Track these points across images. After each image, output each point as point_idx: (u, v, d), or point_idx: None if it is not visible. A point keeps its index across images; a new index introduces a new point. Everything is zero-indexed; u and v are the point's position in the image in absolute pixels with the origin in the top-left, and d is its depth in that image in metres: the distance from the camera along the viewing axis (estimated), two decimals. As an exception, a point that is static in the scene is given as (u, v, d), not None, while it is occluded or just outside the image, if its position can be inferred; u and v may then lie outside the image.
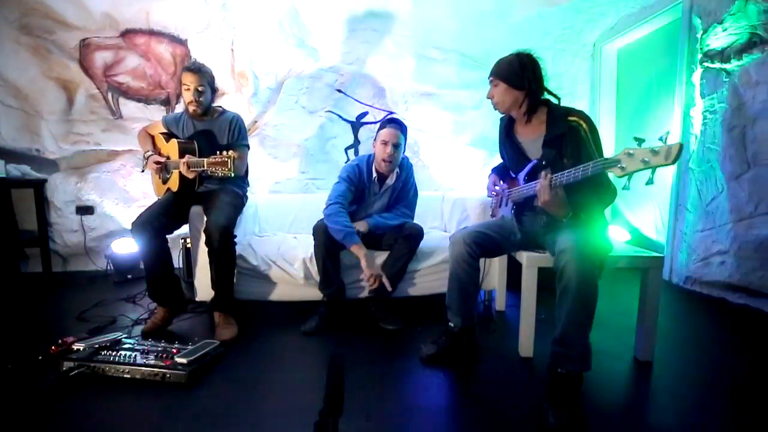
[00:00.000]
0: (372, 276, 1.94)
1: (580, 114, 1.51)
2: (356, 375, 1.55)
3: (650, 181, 1.16)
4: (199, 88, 2.05)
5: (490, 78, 1.62)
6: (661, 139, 1.13)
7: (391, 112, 3.43)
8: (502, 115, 1.73)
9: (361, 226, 2.04)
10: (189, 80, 2.05)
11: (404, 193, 2.22)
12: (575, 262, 1.31)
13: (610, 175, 1.30)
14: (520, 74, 1.54)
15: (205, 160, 1.85)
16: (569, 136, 1.48)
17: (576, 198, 1.44)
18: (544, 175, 1.42)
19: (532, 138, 1.60)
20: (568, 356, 1.35)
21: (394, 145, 2.03)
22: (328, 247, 1.97)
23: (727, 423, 1.31)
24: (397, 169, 2.16)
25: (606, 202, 1.52)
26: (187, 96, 2.07)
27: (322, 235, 1.98)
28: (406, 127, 2.12)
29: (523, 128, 1.65)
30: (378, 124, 2.17)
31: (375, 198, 2.19)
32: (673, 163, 1.11)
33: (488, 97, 1.64)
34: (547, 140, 1.53)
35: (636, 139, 1.17)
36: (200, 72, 2.06)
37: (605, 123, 3.59)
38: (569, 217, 1.45)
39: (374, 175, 2.14)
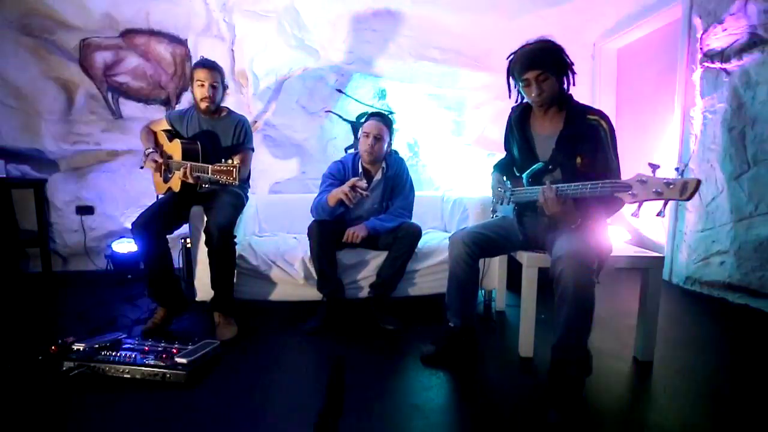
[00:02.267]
0: (347, 193, 1.92)
1: (600, 113, 1.44)
2: (356, 375, 1.54)
3: (661, 213, 1.12)
4: (214, 84, 2.06)
5: (539, 72, 1.41)
6: (677, 170, 1.10)
7: (391, 113, 3.43)
8: (513, 105, 1.63)
9: (361, 230, 2.04)
10: (203, 76, 2.04)
11: (399, 189, 2.19)
12: (571, 269, 1.29)
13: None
14: (561, 60, 1.43)
15: (210, 167, 1.82)
16: (587, 135, 1.43)
17: (584, 205, 1.40)
18: (549, 186, 1.37)
19: (546, 133, 1.53)
20: (569, 362, 1.35)
21: (375, 137, 2.05)
22: (323, 247, 1.98)
23: (727, 423, 1.31)
24: (383, 165, 2.16)
25: (614, 210, 1.43)
26: (201, 92, 2.05)
27: (317, 234, 1.99)
28: (391, 122, 2.14)
29: (539, 121, 1.55)
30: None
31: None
32: (688, 199, 1.07)
33: (537, 95, 1.44)
34: (562, 138, 1.46)
35: (651, 165, 1.12)
36: (214, 68, 2.07)
37: (605, 123, 3.59)
38: (578, 224, 1.41)
39: (360, 170, 2.15)
